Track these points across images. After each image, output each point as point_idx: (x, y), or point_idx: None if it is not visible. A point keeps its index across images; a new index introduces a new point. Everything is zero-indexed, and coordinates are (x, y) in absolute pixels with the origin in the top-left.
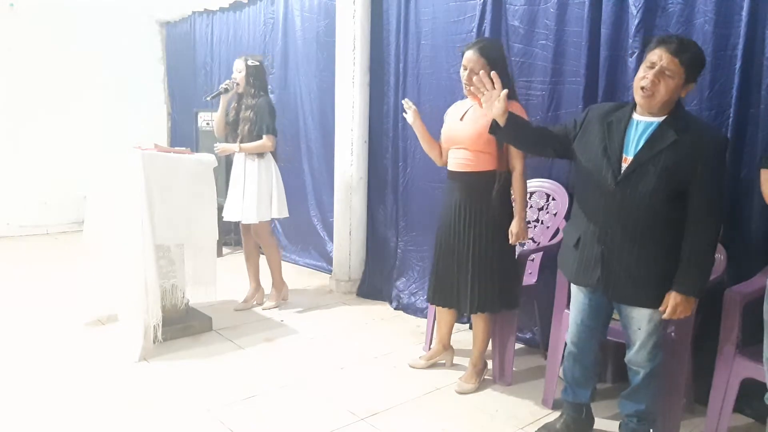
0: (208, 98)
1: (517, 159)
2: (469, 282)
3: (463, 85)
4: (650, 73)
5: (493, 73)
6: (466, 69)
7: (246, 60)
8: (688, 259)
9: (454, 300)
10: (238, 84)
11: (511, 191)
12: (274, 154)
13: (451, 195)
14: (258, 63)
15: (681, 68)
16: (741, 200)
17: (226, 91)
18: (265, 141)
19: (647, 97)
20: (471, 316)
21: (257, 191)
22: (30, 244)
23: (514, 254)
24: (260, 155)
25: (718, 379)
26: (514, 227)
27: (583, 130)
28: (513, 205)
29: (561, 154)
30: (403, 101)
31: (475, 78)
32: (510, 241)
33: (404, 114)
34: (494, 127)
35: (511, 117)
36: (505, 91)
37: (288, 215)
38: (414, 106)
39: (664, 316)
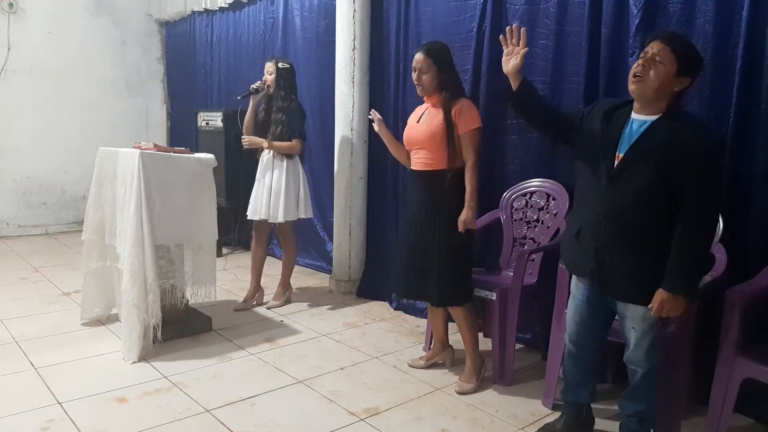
0: (239, 98)
1: (468, 152)
2: (432, 275)
3: (418, 86)
4: (641, 60)
5: (523, 30)
6: (415, 70)
7: (277, 62)
8: (676, 257)
9: (414, 293)
10: (268, 86)
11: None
12: (301, 156)
13: (413, 193)
14: (289, 66)
15: (671, 55)
16: (741, 200)
17: (257, 91)
18: (295, 144)
19: (638, 82)
20: (450, 314)
21: (285, 192)
22: (29, 244)
23: (469, 250)
24: (289, 157)
25: (718, 379)
26: (462, 215)
27: (587, 123)
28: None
29: (562, 138)
30: (370, 111)
31: (507, 27)
32: (459, 229)
33: (372, 123)
34: (507, 90)
35: (525, 82)
36: (526, 49)
37: (312, 215)
38: (379, 116)
39: (652, 312)
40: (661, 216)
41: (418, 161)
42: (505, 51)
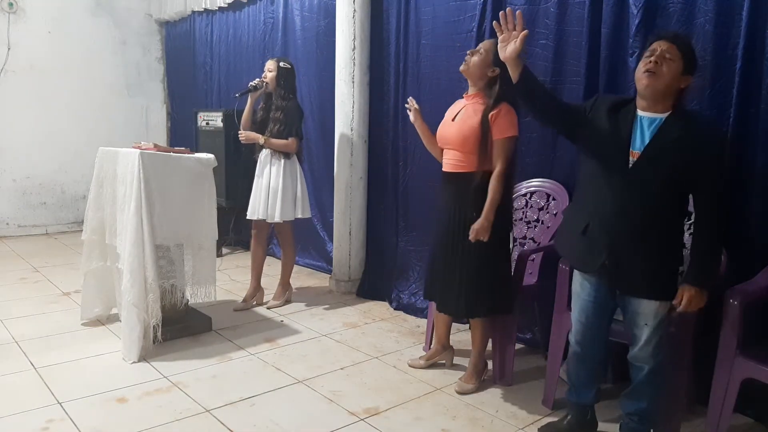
0: (237, 95)
1: (498, 159)
2: (461, 286)
3: (464, 61)
4: (652, 57)
5: (518, 13)
6: (475, 47)
7: (278, 61)
8: (702, 252)
9: (447, 305)
10: (267, 83)
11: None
12: (299, 156)
13: (444, 196)
14: (289, 66)
15: (679, 53)
16: (741, 200)
17: (255, 89)
18: (291, 142)
19: (650, 77)
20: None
21: (282, 192)
22: (30, 244)
23: (508, 257)
24: (287, 156)
25: (718, 379)
26: (476, 223)
27: (592, 118)
28: (508, 207)
29: (569, 131)
30: (408, 100)
31: (501, 12)
32: (470, 237)
33: (408, 111)
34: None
35: (526, 70)
36: (525, 32)
37: (310, 215)
38: (416, 105)
39: (680, 309)
40: (674, 212)
41: (448, 162)
42: (501, 38)
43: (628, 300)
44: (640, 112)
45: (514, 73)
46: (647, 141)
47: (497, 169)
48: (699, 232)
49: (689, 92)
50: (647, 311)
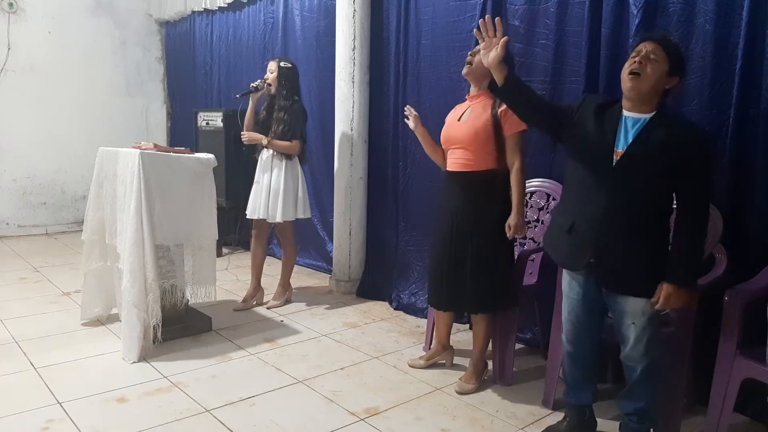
0: (238, 96)
1: (515, 155)
2: (469, 283)
3: (466, 63)
4: (637, 58)
5: (497, 19)
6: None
7: (279, 62)
8: (682, 250)
9: (454, 302)
10: (269, 85)
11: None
12: (301, 157)
13: (449, 196)
14: (291, 65)
15: (665, 55)
16: (741, 200)
17: (256, 90)
18: (294, 144)
19: (635, 79)
20: (472, 316)
21: (284, 192)
22: (30, 244)
23: (513, 254)
24: (288, 157)
25: (718, 379)
26: (512, 220)
27: (579, 119)
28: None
29: (554, 132)
30: (405, 108)
31: (480, 20)
32: (507, 235)
33: (406, 120)
34: (492, 85)
35: (510, 74)
36: (505, 38)
37: (310, 215)
38: (415, 113)
39: (658, 305)
40: (657, 210)
41: (455, 161)
42: (482, 45)
43: (614, 298)
44: (625, 113)
45: (498, 78)
46: (630, 141)
47: (517, 164)
48: (680, 232)
49: (675, 93)
50: (634, 309)
